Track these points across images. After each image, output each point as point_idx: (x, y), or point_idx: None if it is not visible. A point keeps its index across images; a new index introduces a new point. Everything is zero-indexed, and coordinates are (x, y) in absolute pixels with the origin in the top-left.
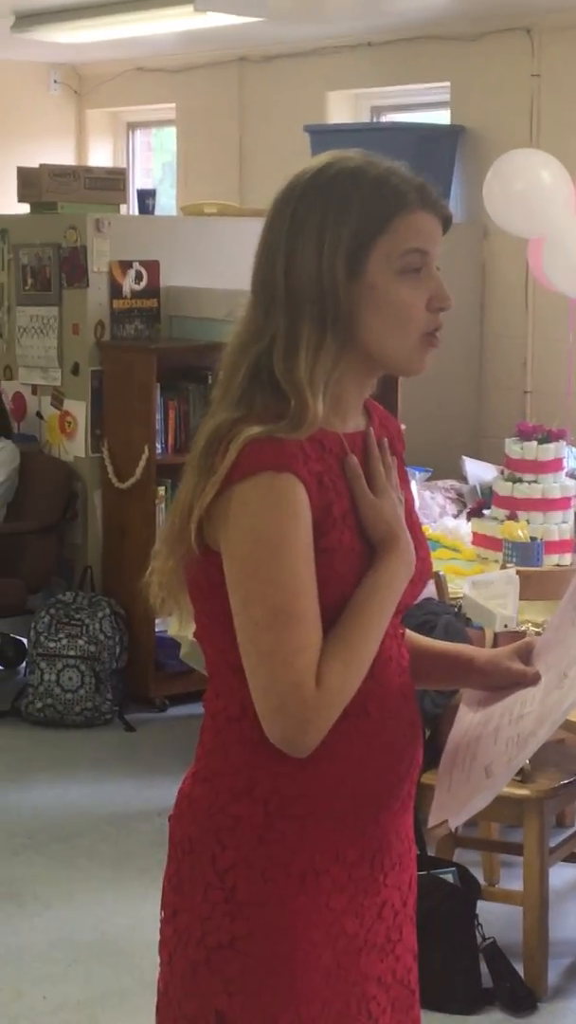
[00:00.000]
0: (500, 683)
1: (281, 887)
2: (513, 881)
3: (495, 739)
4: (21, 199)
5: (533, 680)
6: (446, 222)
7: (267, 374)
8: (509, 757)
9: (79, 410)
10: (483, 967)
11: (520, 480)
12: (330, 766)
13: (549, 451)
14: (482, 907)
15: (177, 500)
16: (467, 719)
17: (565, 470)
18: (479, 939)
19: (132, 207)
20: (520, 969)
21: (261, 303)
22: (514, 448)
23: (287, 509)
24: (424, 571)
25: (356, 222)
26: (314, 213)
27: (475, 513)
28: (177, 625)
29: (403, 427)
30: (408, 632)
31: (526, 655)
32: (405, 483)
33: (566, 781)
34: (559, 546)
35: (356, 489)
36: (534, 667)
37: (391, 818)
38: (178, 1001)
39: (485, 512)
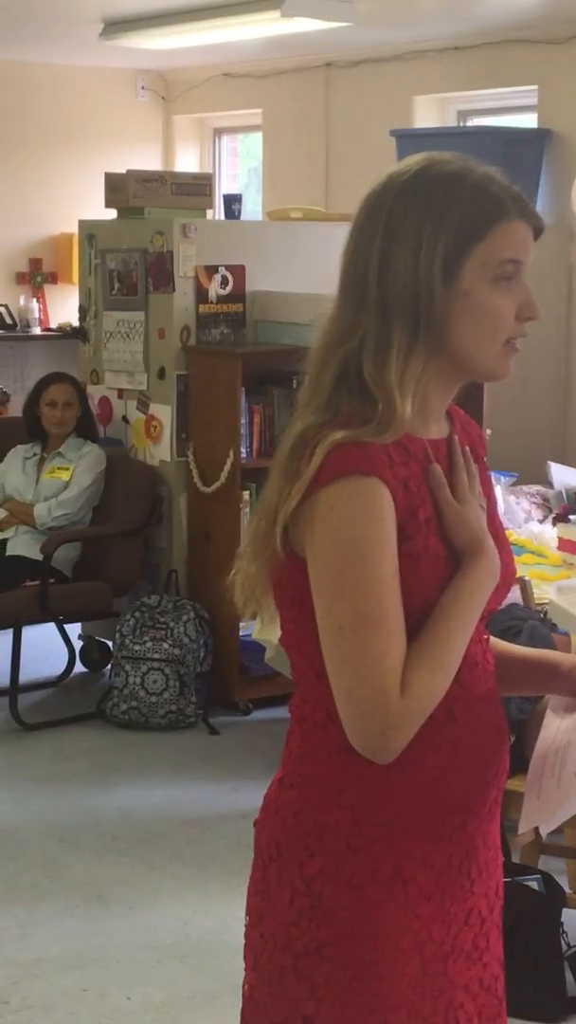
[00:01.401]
0: None
1: (368, 894)
2: None
3: None
4: (108, 204)
5: None
6: (538, 232)
7: (355, 375)
8: None
9: (165, 414)
10: (568, 975)
11: None
12: (417, 772)
13: None
14: (567, 915)
15: (262, 504)
16: (554, 725)
17: None
18: (564, 947)
19: (218, 212)
20: None
21: (351, 303)
22: None
23: (373, 513)
24: (508, 576)
25: (455, 228)
26: (412, 216)
27: (561, 518)
28: (260, 628)
29: (488, 432)
30: (492, 638)
31: None
32: (488, 488)
33: None
34: None
35: (440, 497)
36: None
37: (478, 824)
38: (265, 1005)
39: (571, 517)
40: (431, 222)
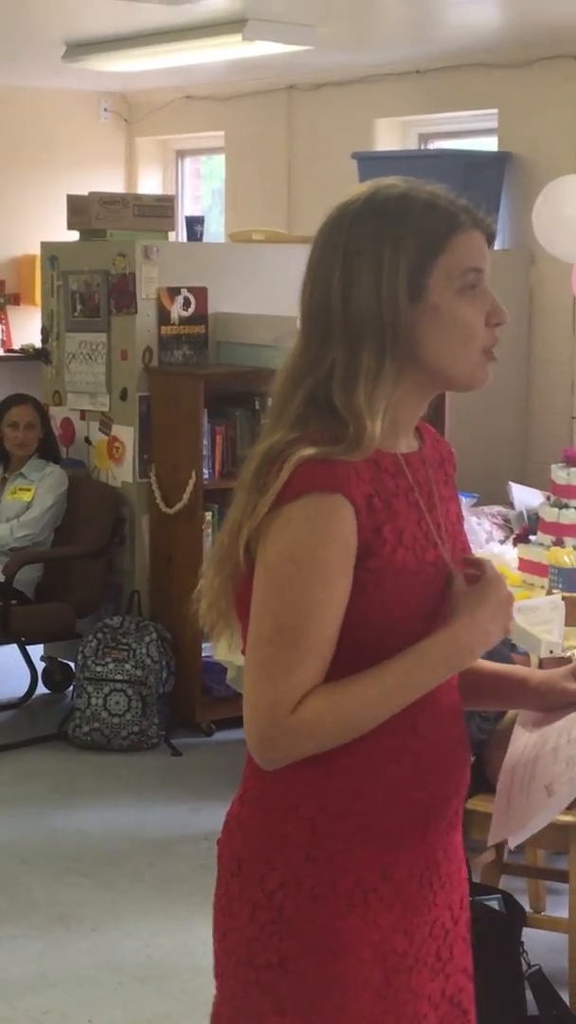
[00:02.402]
0: (556, 703)
1: (329, 905)
2: (559, 908)
3: (555, 759)
4: (71, 226)
5: None
6: (491, 238)
7: (324, 400)
8: (571, 776)
9: (127, 435)
10: (529, 995)
11: (566, 506)
12: (377, 783)
13: None
14: (527, 934)
15: (227, 519)
16: (523, 739)
17: None
18: (524, 966)
19: (181, 234)
20: (566, 997)
21: (316, 335)
22: (560, 474)
23: (326, 531)
24: None
25: (413, 246)
26: (368, 242)
27: (521, 539)
28: (224, 649)
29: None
30: None
31: None
32: (456, 505)
33: None
34: None
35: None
36: None
37: (439, 836)
38: (229, 1021)
39: (531, 538)
40: (389, 244)
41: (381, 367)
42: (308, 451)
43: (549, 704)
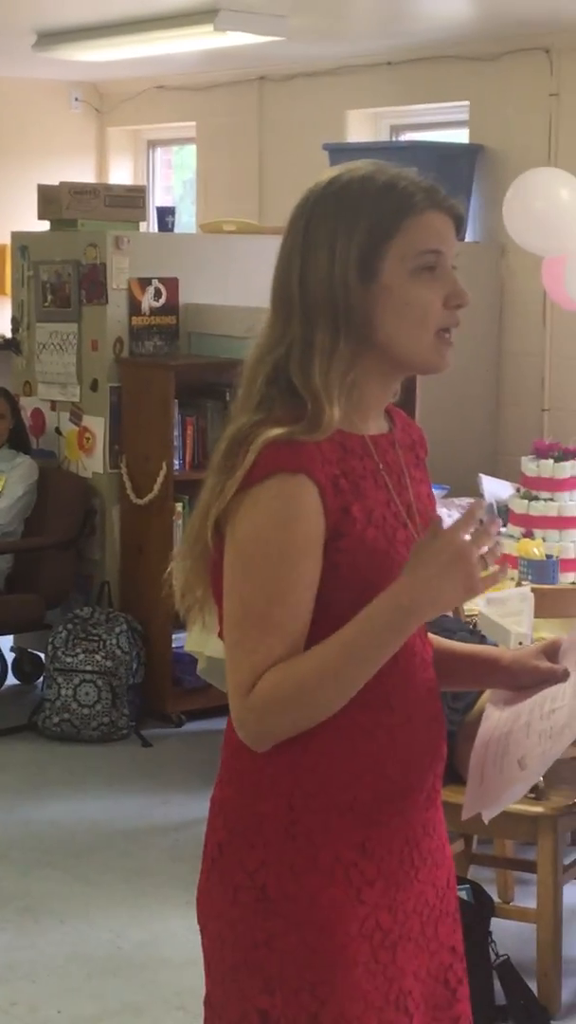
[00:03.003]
0: (527, 682)
1: (311, 881)
2: (527, 898)
3: (527, 733)
4: (41, 216)
5: (563, 677)
6: (458, 220)
7: (285, 380)
8: (543, 750)
9: (98, 426)
10: (497, 984)
11: (536, 498)
12: (351, 759)
13: (565, 469)
14: (496, 924)
15: (198, 502)
16: (495, 716)
17: None
18: (493, 956)
19: (152, 225)
20: (534, 986)
21: (280, 315)
22: (530, 466)
23: (291, 512)
24: None
25: (367, 227)
26: (326, 222)
27: None
28: (195, 640)
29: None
30: (432, 635)
31: (552, 654)
32: (427, 484)
33: None
34: (574, 564)
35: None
36: (562, 665)
37: (416, 812)
38: (220, 1007)
39: (501, 530)
40: (344, 225)
41: (335, 347)
42: (272, 432)
43: (520, 683)
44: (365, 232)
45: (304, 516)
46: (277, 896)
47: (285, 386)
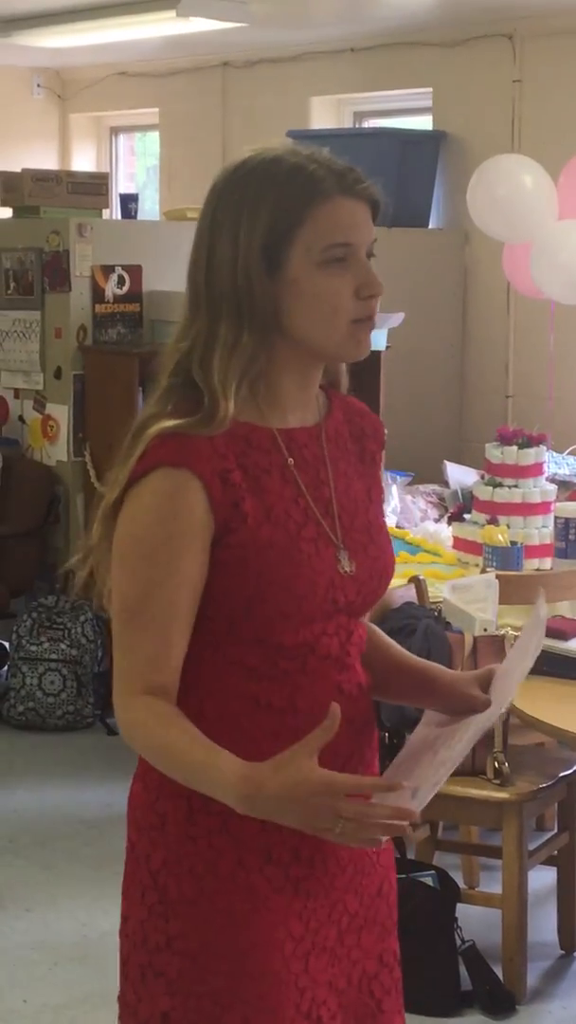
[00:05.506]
0: (458, 708)
1: (211, 885)
2: (493, 884)
3: (431, 763)
4: (3, 203)
5: (483, 706)
6: (374, 205)
7: (185, 372)
8: (436, 780)
9: (61, 414)
10: (462, 970)
11: (500, 484)
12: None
13: (529, 456)
14: (462, 910)
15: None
16: (419, 735)
17: (545, 474)
18: (459, 942)
19: (115, 212)
20: (499, 972)
21: (190, 304)
22: (494, 453)
23: (168, 508)
24: (380, 569)
25: (271, 216)
26: (231, 209)
27: (456, 517)
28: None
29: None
30: (388, 640)
31: (486, 683)
32: (377, 482)
33: (544, 784)
34: (539, 550)
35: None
36: (489, 695)
37: None
38: (132, 1007)
39: (466, 516)
40: (248, 212)
41: (239, 340)
42: (164, 425)
43: (452, 707)
44: (269, 220)
45: (183, 512)
46: (177, 899)
47: (186, 378)
